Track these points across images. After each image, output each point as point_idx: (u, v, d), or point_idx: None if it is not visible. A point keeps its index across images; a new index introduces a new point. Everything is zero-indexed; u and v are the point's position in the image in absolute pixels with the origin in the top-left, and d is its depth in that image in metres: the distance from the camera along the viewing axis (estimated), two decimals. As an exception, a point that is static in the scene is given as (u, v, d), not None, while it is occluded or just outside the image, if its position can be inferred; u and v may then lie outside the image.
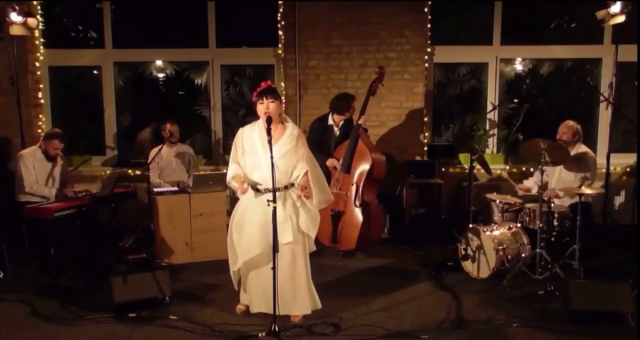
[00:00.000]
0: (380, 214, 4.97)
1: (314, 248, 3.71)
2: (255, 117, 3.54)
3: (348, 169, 4.90)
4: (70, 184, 5.11)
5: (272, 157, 3.25)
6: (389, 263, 4.95)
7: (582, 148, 4.86)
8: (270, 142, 3.26)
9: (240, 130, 3.58)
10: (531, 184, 5.12)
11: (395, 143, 6.25)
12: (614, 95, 5.64)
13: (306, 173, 3.46)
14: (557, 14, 6.49)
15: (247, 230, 3.50)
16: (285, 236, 3.41)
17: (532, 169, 6.10)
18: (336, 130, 5.20)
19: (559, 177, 4.90)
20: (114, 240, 5.05)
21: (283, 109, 3.58)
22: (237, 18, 6.43)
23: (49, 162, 4.90)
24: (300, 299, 3.54)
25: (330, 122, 5.20)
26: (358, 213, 4.79)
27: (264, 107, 3.40)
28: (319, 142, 5.09)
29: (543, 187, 4.34)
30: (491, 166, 5.10)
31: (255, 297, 3.60)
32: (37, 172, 4.81)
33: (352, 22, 6.08)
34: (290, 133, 3.48)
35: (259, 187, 3.48)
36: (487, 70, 6.45)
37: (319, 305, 3.65)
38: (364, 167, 4.84)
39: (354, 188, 4.83)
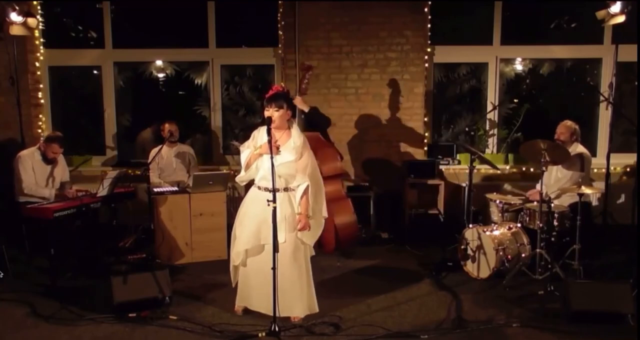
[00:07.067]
0: (346, 209, 4.80)
1: (313, 252, 3.71)
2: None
3: None
4: (69, 184, 5.10)
5: (272, 158, 3.26)
6: (389, 263, 4.95)
7: (579, 148, 4.86)
8: (270, 142, 3.29)
9: (257, 129, 3.62)
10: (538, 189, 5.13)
11: (395, 143, 6.25)
12: (614, 95, 5.64)
13: (306, 191, 3.47)
14: (557, 14, 6.49)
15: (245, 224, 3.53)
16: (280, 236, 3.39)
17: (532, 169, 6.11)
18: None
19: (555, 176, 4.91)
20: (114, 240, 5.05)
21: (290, 114, 3.58)
22: (237, 18, 6.43)
23: (47, 164, 4.87)
24: (297, 301, 3.53)
25: None
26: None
27: (269, 114, 3.45)
28: None
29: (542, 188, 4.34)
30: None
31: (252, 295, 3.61)
32: (36, 174, 4.79)
33: (352, 22, 6.08)
34: (294, 144, 3.48)
35: (260, 184, 3.51)
36: (487, 70, 6.45)
37: (316, 309, 3.63)
38: None
39: None
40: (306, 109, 4.99)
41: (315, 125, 5.09)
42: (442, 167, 6.14)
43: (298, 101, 4.94)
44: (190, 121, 6.65)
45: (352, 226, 4.86)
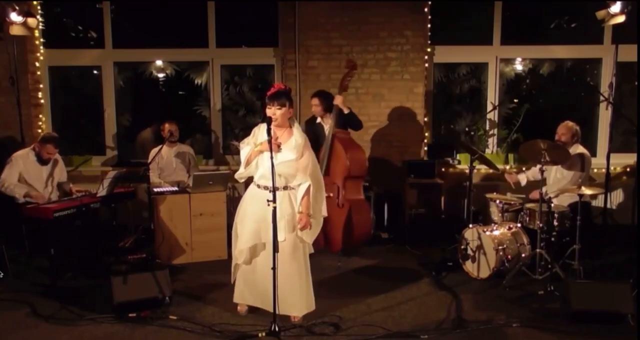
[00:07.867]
0: (365, 211, 4.89)
1: (312, 250, 3.71)
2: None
3: (327, 171, 4.86)
4: (67, 184, 5.10)
5: (272, 157, 3.25)
6: (389, 263, 4.95)
7: (579, 148, 4.86)
8: (270, 142, 3.27)
9: (257, 126, 3.60)
10: (522, 177, 5.13)
11: (396, 143, 6.25)
12: (614, 95, 5.65)
13: (307, 191, 3.46)
14: (557, 14, 6.50)
15: (245, 223, 3.53)
16: (280, 235, 3.39)
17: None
18: (327, 129, 5.18)
19: (554, 177, 4.91)
20: (114, 240, 5.05)
21: (292, 113, 3.57)
22: (237, 18, 6.44)
23: (42, 165, 4.86)
24: (296, 299, 3.52)
25: (319, 120, 5.19)
26: (342, 214, 4.74)
27: (271, 112, 3.44)
28: (314, 144, 5.07)
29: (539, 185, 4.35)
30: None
31: (252, 291, 3.60)
32: (30, 175, 4.78)
33: (352, 22, 6.08)
34: (295, 143, 3.47)
35: (259, 183, 3.50)
36: (487, 70, 6.45)
37: (313, 307, 3.62)
38: (342, 167, 4.77)
39: (335, 189, 4.82)
40: (346, 110, 5.01)
41: (350, 126, 5.13)
42: (443, 166, 6.15)
43: (339, 101, 4.95)
44: (190, 121, 6.66)
45: (369, 226, 4.95)
